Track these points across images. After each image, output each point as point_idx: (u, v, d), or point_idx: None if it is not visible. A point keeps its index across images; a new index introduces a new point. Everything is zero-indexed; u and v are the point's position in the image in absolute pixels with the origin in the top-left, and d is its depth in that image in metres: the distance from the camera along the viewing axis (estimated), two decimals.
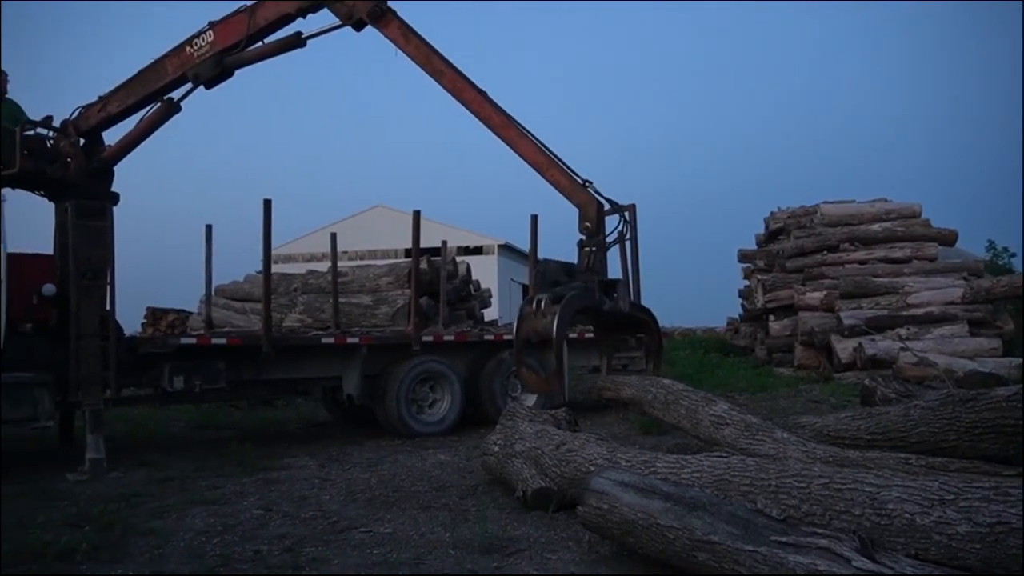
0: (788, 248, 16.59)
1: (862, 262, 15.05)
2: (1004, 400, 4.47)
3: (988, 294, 13.61)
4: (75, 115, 8.44)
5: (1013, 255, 23.48)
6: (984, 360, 12.09)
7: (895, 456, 4.70)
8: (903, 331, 13.04)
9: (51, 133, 8.23)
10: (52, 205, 8.27)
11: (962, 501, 3.13)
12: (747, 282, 19.03)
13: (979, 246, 22.36)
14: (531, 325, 7.04)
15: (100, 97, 8.46)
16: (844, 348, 13.32)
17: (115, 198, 8.42)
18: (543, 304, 6.84)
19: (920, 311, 13.48)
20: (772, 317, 16.39)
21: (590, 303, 7.07)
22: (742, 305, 19.37)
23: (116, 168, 8.68)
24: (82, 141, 8.43)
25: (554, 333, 6.68)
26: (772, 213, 18.32)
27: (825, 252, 15.55)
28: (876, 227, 15.53)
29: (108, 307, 7.57)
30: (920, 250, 15.06)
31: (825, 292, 14.67)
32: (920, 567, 2.85)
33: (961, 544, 3.04)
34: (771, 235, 18.21)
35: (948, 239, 15.75)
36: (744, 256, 19.48)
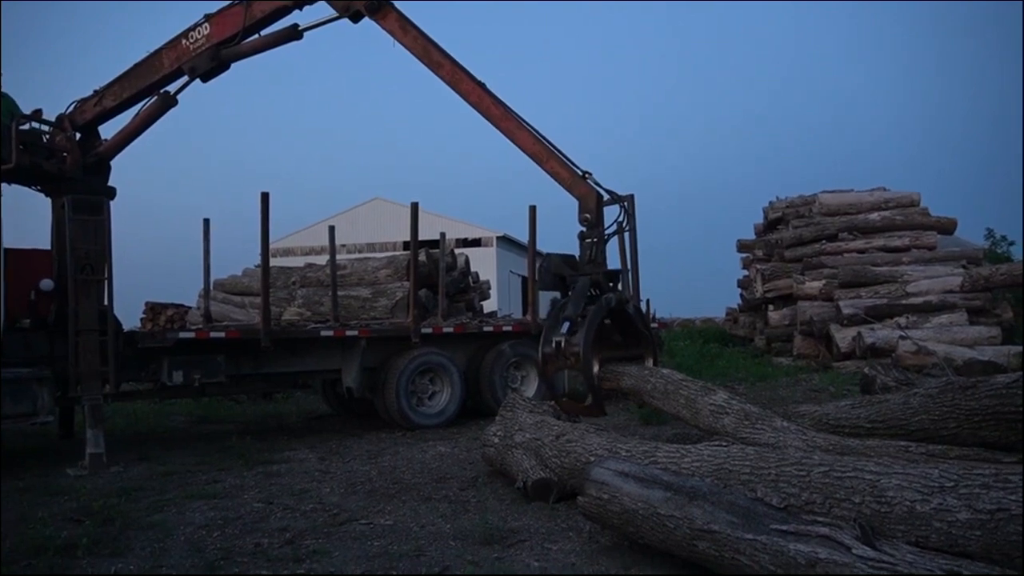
0: (787, 238, 16.58)
1: (861, 251, 15.05)
2: (1003, 387, 4.46)
3: (987, 282, 13.61)
4: (71, 109, 8.41)
5: (1012, 243, 23.48)
6: (983, 348, 12.10)
7: (895, 444, 4.70)
8: (902, 320, 13.04)
9: (47, 128, 8.20)
10: (49, 200, 8.25)
11: (962, 488, 3.13)
12: (746, 272, 19.04)
13: (978, 234, 22.38)
14: (557, 366, 7.10)
15: (95, 91, 8.42)
16: (843, 337, 13.33)
17: (112, 192, 8.39)
18: (562, 344, 6.87)
19: (919, 300, 13.48)
20: (771, 307, 16.41)
21: (601, 318, 7.04)
22: (741, 295, 19.38)
23: (113, 162, 8.65)
24: (78, 135, 8.39)
25: (582, 369, 6.77)
26: (771, 203, 18.31)
27: (824, 241, 15.54)
28: (875, 216, 15.52)
29: (106, 302, 7.56)
30: (919, 238, 15.06)
31: (824, 281, 14.67)
32: (920, 554, 2.85)
33: (961, 531, 3.04)
34: (770, 225, 18.20)
35: (947, 227, 15.75)
36: (743, 246, 19.48)
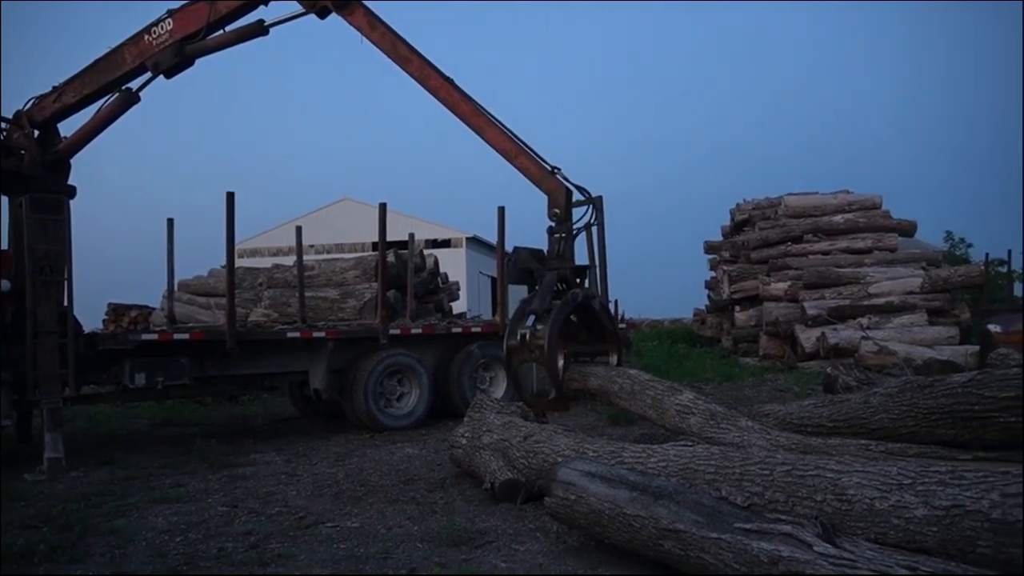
0: (753, 239, 16.80)
1: (825, 253, 15.31)
2: (959, 387, 4.56)
3: (946, 284, 13.94)
4: (29, 106, 8.21)
5: (970, 245, 24.19)
6: (942, 348, 12.38)
7: (856, 442, 4.79)
8: (864, 320, 13.30)
9: (4, 125, 8.01)
10: (6, 199, 8.05)
11: (919, 485, 3.20)
12: (713, 273, 19.26)
13: (938, 237, 22.95)
14: (521, 358, 7.09)
15: (54, 87, 8.24)
16: (808, 337, 13.54)
17: (72, 191, 8.22)
18: (527, 337, 6.87)
19: (881, 301, 13.75)
20: (738, 308, 16.61)
21: (568, 312, 7.06)
22: (709, 296, 19.61)
23: (75, 160, 8.47)
24: (36, 133, 8.21)
25: (547, 363, 6.76)
26: (737, 205, 18.54)
27: (789, 243, 15.78)
28: (838, 218, 15.80)
29: (66, 303, 7.40)
30: (881, 241, 15.37)
31: (789, 282, 14.89)
32: (879, 551, 2.90)
33: (918, 527, 3.10)
34: (737, 226, 18.42)
35: (908, 230, 16.10)
36: (710, 248, 19.71)
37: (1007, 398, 4.27)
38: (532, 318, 6.96)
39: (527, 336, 6.88)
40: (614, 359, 7.24)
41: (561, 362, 7.11)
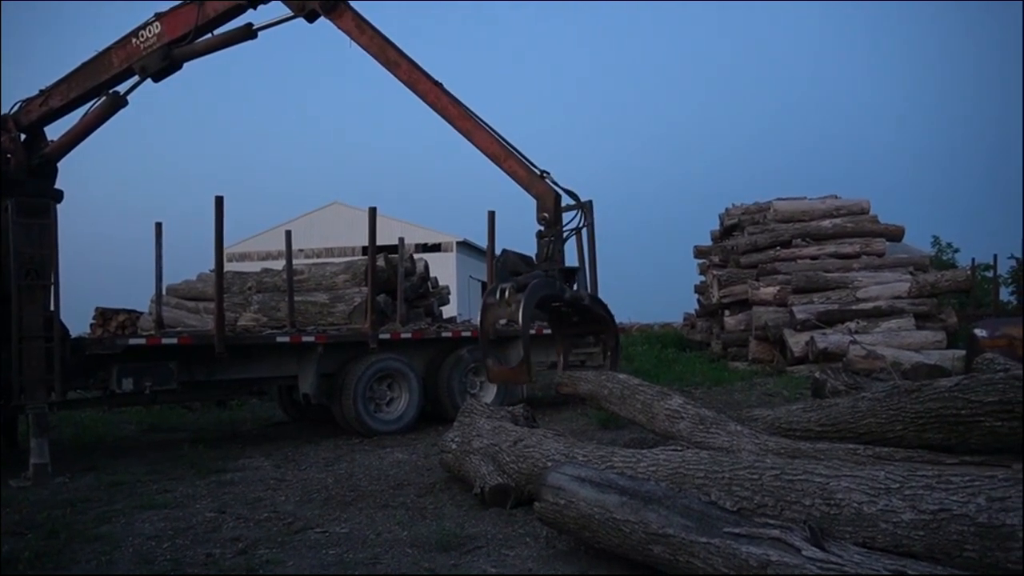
0: (742, 244, 16.85)
1: (813, 257, 15.37)
2: (946, 391, 4.60)
3: (933, 288, 14.03)
4: (15, 109, 8.17)
5: (957, 250, 24.40)
6: (929, 352, 12.45)
7: (844, 447, 4.81)
8: (853, 325, 13.35)
9: None
10: None
11: (907, 490, 3.22)
12: (703, 278, 19.32)
13: (925, 241, 23.15)
14: (496, 314, 7.05)
15: (41, 90, 8.19)
16: (796, 342, 13.60)
17: (59, 195, 8.17)
18: (507, 293, 6.84)
19: (869, 305, 13.82)
20: (727, 312, 16.65)
21: (552, 292, 7.09)
22: (698, 300, 19.66)
23: (62, 163, 8.42)
24: (23, 136, 8.16)
25: (519, 320, 6.71)
26: (727, 209, 18.60)
27: (778, 248, 15.84)
28: (827, 223, 15.89)
29: (53, 307, 7.34)
30: (869, 245, 15.45)
31: (778, 287, 14.95)
32: (867, 555, 2.92)
33: (905, 531, 3.12)
34: (726, 231, 18.49)
35: (895, 235, 16.19)
36: (700, 252, 19.77)
37: (992, 402, 4.31)
38: (512, 282, 7.01)
39: (507, 292, 6.85)
40: (612, 341, 7.29)
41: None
